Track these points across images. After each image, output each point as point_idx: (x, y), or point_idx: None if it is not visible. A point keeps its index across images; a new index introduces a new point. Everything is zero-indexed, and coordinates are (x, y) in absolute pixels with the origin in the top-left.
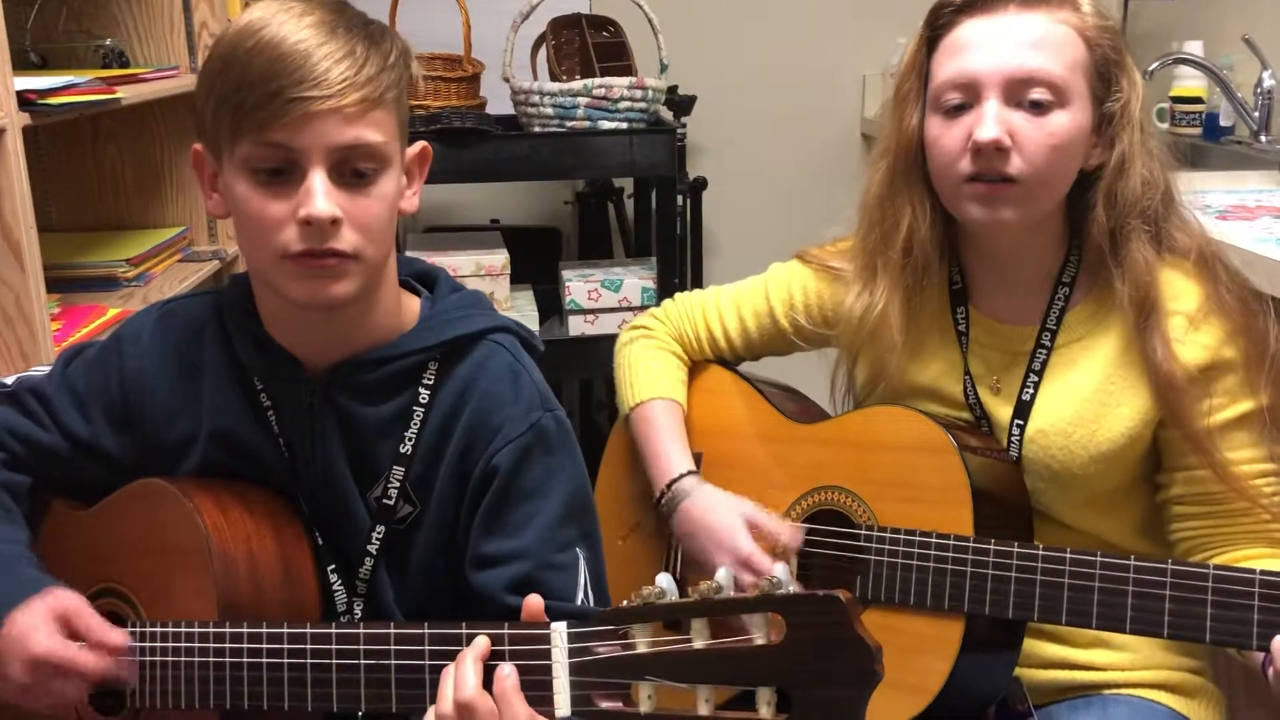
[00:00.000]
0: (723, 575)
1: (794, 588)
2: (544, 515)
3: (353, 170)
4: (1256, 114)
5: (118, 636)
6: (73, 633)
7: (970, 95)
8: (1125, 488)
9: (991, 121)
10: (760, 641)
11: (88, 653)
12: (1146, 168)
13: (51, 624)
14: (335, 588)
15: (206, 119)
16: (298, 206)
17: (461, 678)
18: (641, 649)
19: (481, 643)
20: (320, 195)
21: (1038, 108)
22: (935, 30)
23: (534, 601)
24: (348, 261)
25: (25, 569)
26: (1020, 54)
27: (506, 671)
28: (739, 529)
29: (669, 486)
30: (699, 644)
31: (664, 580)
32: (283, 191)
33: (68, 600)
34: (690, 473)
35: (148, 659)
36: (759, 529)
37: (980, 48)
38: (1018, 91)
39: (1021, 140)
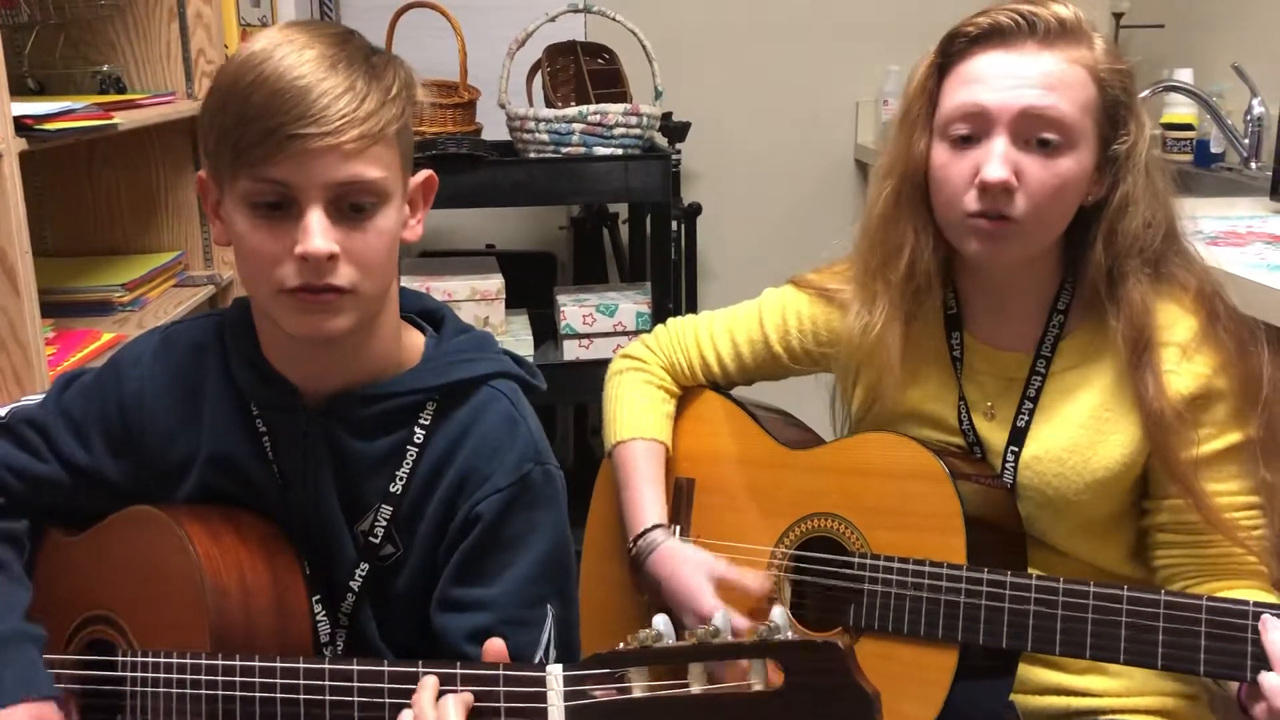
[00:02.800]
0: (719, 619)
1: (792, 634)
2: (517, 568)
3: (351, 205)
4: (1246, 141)
5: None
6: None
7: (979, 128)
8: (1119, 514)
9: (999, 161)
10: (758, 688)
11: None
12: (1149, 209)
13: None
14: (319, 618)
15: (209, 150)
16: (295, 242)
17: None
18: (638, 693)
19: (466, 699)
20: (317, 233)
21: (1046, 147)
22: (948, 57)
23: (495, 646)
24: (345, 297)
25: (21, 661)
26: (1033, 92)
27: None
28: (702, 589)
29: (638, 538)
30: (696, 689)
31: (660, 623)
32: (281, 226)
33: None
34: (659, 525)
35: (139, 689)
36: (726, 583)
37: (993, 82)
38: (1027, 129)
39: (1027, 181)
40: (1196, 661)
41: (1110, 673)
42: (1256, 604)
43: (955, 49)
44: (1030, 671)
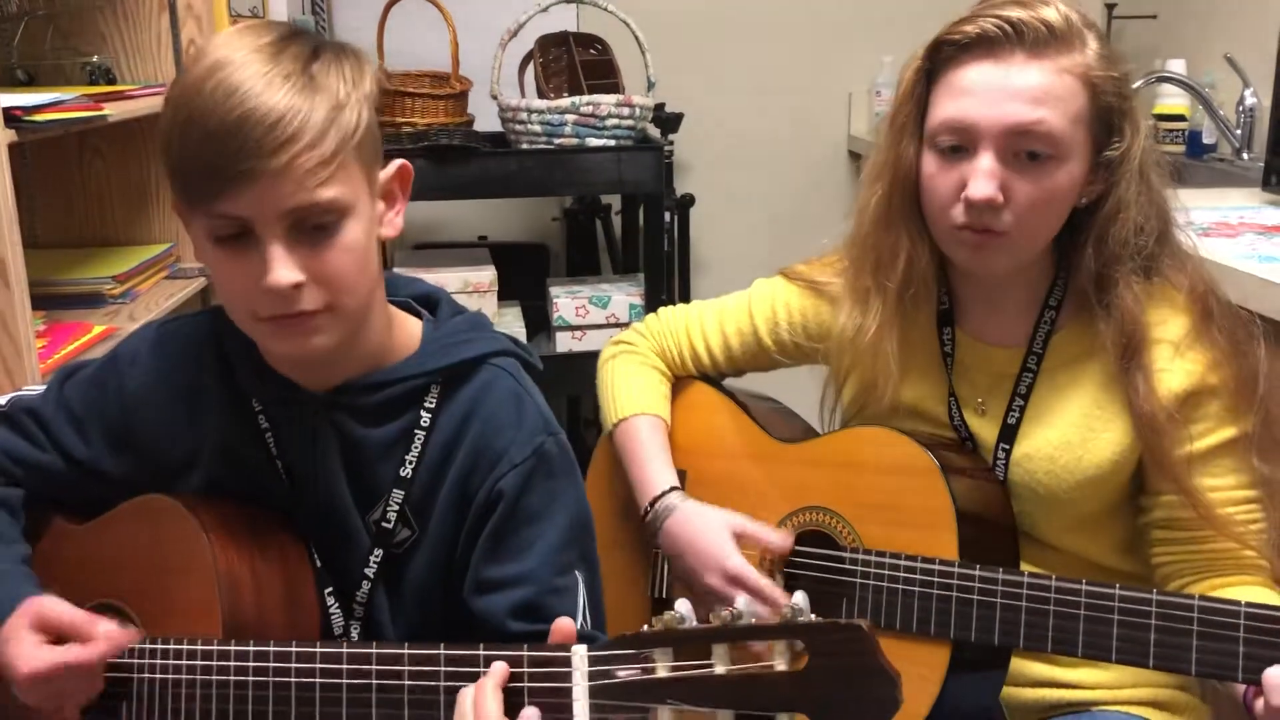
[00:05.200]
0: (742, 603)
1: (815, 616)
2: (546, 539)
3: (314, 225)
4: (1239, 131)
5: (97, 626)
6: (57, 635)
7: (966, 140)
8: (1110, 509)
9: (984, 179)
10: (782, 668)
11: (77, 648)
12: (1142, 213)
13: (32, 638)
14: (332, 610)
15: (168, 177)
16: (261, 274)
17: (482, 704)
18: (662, 673)
19: (500, 668)
20: (278, 266)
21: (1035, 159)
22: (936, 63)
23: (564, 625)
24: (321, 316)
25: (3, 588)
26: (1022, 107)
27: (531, 715)
28: (726, 544)
29: (653, 503)
30: (720, 669)
31: (683, 606)
32: (245, 256)
33: (41, 605)
34: (674, 489)
35: (146, 676)
36: (747, 539)
37: (981, 96)
38: (1015, 143)
39: (1014, 195)
40: (1188, 661)
41: (1101, 665)
42: (1248, 604)
43: (943, 56)
44: (1022, 664)
